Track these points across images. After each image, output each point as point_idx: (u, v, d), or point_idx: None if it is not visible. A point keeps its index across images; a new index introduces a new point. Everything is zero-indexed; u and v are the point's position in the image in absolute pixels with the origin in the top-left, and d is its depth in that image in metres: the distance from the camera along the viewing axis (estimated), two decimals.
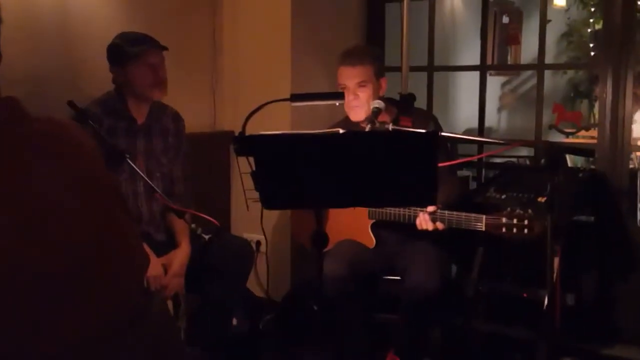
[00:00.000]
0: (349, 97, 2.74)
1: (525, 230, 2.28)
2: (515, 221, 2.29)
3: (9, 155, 1.12)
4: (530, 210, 2.29)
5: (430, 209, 2.48)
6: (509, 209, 2.33)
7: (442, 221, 2.47)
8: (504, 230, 2.31)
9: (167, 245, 2.69)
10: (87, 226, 1.18)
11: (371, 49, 3.11)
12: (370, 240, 2.72)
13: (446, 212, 2.47)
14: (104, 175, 1.30)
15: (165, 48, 2.69)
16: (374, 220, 2.71)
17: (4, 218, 1.07)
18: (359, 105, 2.76)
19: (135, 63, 2.60)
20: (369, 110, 2.63)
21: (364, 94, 2.75)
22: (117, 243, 1.25)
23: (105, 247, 1.21)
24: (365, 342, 2.75)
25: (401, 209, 2.58)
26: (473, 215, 2.39)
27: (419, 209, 2.52)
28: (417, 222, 2.53)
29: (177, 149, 2.84)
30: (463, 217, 2.42)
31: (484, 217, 2.36)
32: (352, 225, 2.73)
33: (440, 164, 1.80)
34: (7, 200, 1.09)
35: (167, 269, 2.59)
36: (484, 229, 2.36)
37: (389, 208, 2.61)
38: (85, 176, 1.23)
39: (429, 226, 2.49)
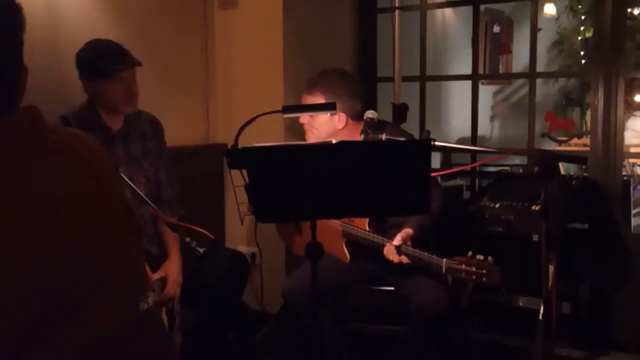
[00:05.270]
0: (304, 120, 2.81)
1: (484, 279, 2.26)
2: (474, 269, 2.28)
3: (25, 164, 1.12)
4: (490, 258, 2.27)
5: (397, 242, 2.45)
6: (470, 253, 2.31)
7: (407, 256, 2.45)
8: (463, 275, 2.30)
9: (160, 259, 2.67)
10: (95, 242, 1.18)
11: (329, 79, 2.76)
12: (345, 256, 2.71)
13: (410, 248, 2.44)
14: (118, 193, 1.31)
15: (139, 64, 2.61)
16: (346, 239, 2.70)
17: (10, 224, 1.07)
18: (310, 130, 2.81)
19: (107, 81, 2.52)
20: (321, 138, 2.71)
21: (314, 121, 2.77)
22: (121, 261, 1.25)
23: (111, 263, 1.21)
24: (349, 354, 2.74)
25: (371, 236, 2.57)
26: (435, 257, 2.37)
27: (386, 239, 2.50)
28: (385, 251, 2.50)
29: (158, 152, 2.78)
30: (425, 256, 2.40)
31: (444, 260, 2.34)
32: (328, 240, 2.72)
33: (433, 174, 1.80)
34: (17, 207, 1.09)
35: (166, 279, 2.58)
36: (444, 271, 2.35)
37: (360, 232, 2.62)
38: (97, 192, 1.22)
39: (395, 258, 2.46)
